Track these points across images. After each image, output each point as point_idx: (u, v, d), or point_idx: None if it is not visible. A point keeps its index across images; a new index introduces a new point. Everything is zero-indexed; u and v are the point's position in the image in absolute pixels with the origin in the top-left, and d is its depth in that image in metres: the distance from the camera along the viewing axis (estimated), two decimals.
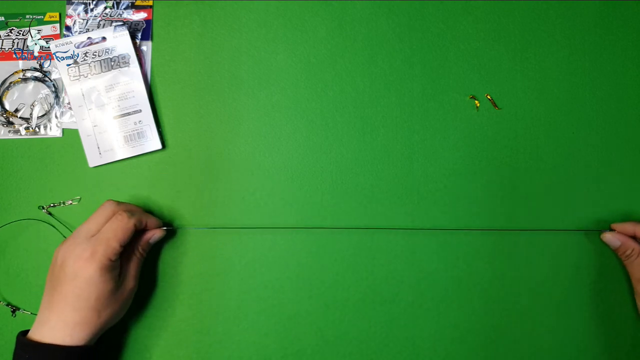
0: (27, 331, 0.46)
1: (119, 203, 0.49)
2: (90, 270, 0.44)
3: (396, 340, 0.54)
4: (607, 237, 0.52)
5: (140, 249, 0.50)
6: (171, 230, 0.54)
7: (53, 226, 0.55)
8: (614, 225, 0.53)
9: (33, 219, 0.55)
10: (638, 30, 0.57)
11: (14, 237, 0.55)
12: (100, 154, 0.55)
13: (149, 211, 0.53)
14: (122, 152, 0.55)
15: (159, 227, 0.52)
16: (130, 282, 0.48)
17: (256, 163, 0.56)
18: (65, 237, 0.54)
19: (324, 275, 0.55)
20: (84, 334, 0.45)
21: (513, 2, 0.57)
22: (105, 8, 0.56)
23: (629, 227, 0.51)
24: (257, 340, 0.54)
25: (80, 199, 0.55)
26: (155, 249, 0.55)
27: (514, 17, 0.57)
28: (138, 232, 0.49)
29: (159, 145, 0.55)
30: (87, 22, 0.56)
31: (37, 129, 0.56)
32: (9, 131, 0.56)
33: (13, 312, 0.54)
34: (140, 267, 0.50)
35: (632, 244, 0.51)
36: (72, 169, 0.56)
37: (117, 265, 0.47)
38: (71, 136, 0.56)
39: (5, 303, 0.54)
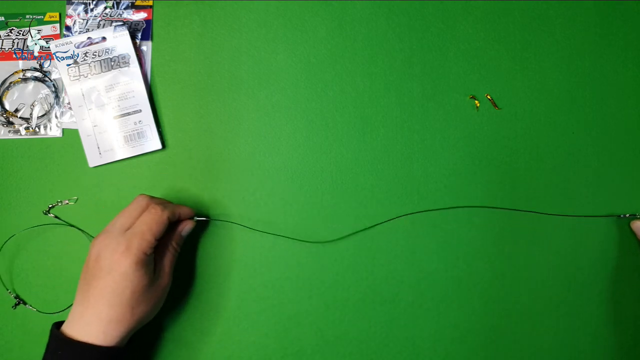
0: (61, 323, 0.46)
1: (151, 197, 0.49)
2: (126, 264, 0.44)
3: (396, 340, 0.54)
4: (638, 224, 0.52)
5: (174, 243, 0.49)
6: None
7: (74, 226, 0.55)
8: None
9: (54, 223, 0.55)
10: (638, 30, 0.57)
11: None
12: (100, 154, 0.55)
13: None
14: (122, 152, 0.55)
15: (192, 216, 0.51)
16: (164, 278, 0.48)
17: (256, 163, 0.56)
18: (92, 235, 0.54)
19: (324, 275, 0.55)
20: (117, 332, 0.44)
21: (513, 2, 0.57)
22: (105, 8, 0.56)
23: None
24: (257, 340, 0.54)
25: (77, 199, 0.55)
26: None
27: (514, 17, 0.57)
28: (171, 225, 0.49)
29: (159, 145, 0.55)
30: (87, 22, 0.56)
31: (37, 129, 0.56)
32: (9, 131, 0.56)
33: (16, 305, 0.53)
34: (174, 263, 0.49)
35: None
36: (72, 169, 0.56)
37: (152, 259, 0.46)
38: (71, 136, 0.56)
39: (14, 295, 0.54)
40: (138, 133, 0.55)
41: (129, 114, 0.55)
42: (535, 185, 0.55)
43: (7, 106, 0.56)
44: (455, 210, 0.55)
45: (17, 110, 0.56)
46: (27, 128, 0.56)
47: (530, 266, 0.54)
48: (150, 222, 0.46)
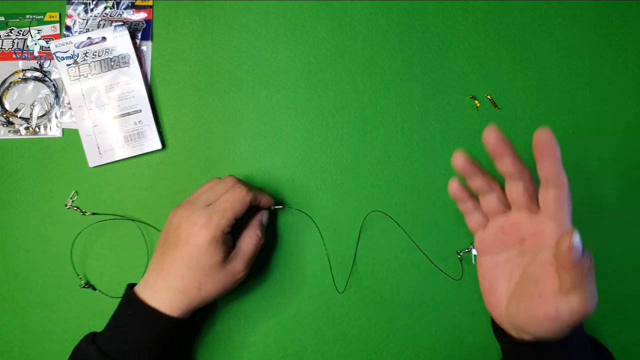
0: (134, 284, 0.47)
1: (239, 180, 0.49)
2: (202, 237, 0.44)
3: (396, 340, 0.54)
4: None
5: (257, 231, 0.49)
6: None
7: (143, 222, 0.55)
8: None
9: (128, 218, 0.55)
10: (638, 30, 0.57)
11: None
12: (100, 154, 0.55)
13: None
14: (122, 152, 0.55)
15: (271, 205, 0.51)
16: (239, 264, 0.47)
17: (256, 163, 0.56)
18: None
19: (324, 275, 0.55)
20: (181, 305, 0.45)
21: (513, 2, 0.57)
22: (105, 8, 0.56)
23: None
24: (257, 340, 0.54)
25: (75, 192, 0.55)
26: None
27: (514, 17, 0.57)
28: (252, 210, 0.49)
29: (159, 145, 0.55)
30: (87, 22, 0.56)
31: (37, 129, 0.56)
32: (9, 131, 0.56)
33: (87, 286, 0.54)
34: (254, 254, 0.49)
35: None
36: (72, 169, 0.56)
37: (229, 240, 0.47)
38: (71, 136, 0.56)
39: (85, 281, 0.54)
40: (138, 133, 0.55)
41: (129, 114, 0.55)
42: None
43: (7, 106, 0.56)
44: (455, 210, 0.55)
45: (17, 110, 0.56)
46: (27, 128, 0.56)
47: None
48: (233, 200, 0.46)
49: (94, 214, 0.55)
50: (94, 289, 0.54)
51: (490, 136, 0.40)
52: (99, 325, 0.47)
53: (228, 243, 0.46)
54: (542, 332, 0.39)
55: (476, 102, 0.56)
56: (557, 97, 0.56)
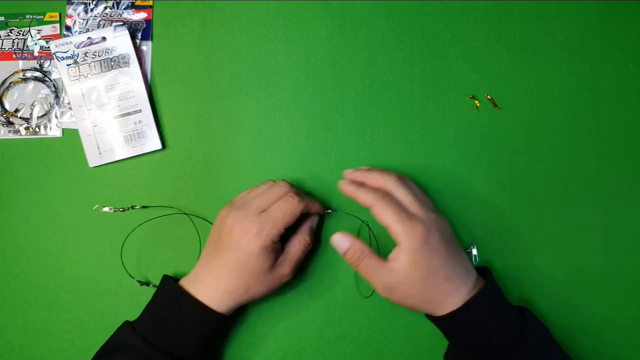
0: (171, 278, 0.49)
1: (291, 185, 0.49)
2: (253, 246, 0.45)
3: (396, 340, 0.54)
4: (337, 239, 0.47)
5: (306, 236, 0.50)
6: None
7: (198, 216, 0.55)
8: (344, 184, 0.48)
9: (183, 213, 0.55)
10: (638, 30, 0.57)
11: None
12: (100, 154, 0.55)
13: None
14: (122, 152, 0.55)
15: (321, 211, 0.52)
16: (285, 268, 0.48)
17: (256, 163, 0.56)
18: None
19: (324, 275, 0.55)
20: (228, 302, 0.46)
21: (513, 2, 0.57)
22: (105, 8, 0.56)
23: (363, 197, 0.46)
24: (257, 340, 0.54)
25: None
26: (154, 246, 0.55)
27: (514, 17, 0.57)
28: (302, 216, 0.49)
29: (159, 145, 0.55)
30: (87, 22, 0.56)
31: (37, 129, 0.56)
32: (9, 131, 0.56)
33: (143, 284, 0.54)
34: (301, 256, 0.49)
35: (358, 247, 0.46)
36: (72, 169, 0.56)
37: (278, 247, 0.48)
38: (71, 136, 0.56)
39: (137, 279, 0.54)
40: (138, 133, 0.55)
41: (129, 114, 0.55)
42: (535, 185, 0.55)
43: (7, 106, 0.56)
44: (456, 210, 0.55)
45: (17, 110, 0.56)
46: (27, 128, 0.56)
47: (530, 266, 0.54)
48: (286, 210, 0.47)
49: (128, 208, 0.54)
50: (148, 284, 0.54)
51: (344, 187, 0.48)
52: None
53: (277, 250, 0.48)
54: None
55: (476, 102, 0.56)
56: (557, 97, 0.56)
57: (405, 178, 0.49)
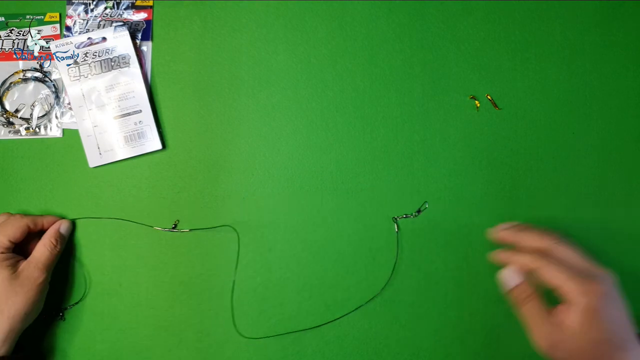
0: None
1: (11, 214, 0.52)
2: None
3: (396, 340, 0.54)
4: (507, 275, 0.46)
5: (52, 239, 0.50)
6: (172, 230, 0.54)
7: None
8: (495, 255, 0.47)
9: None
10: (638, 30, 0.57)
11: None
12: (100, 154, 0.55)
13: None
14: (122, 152, 0.55)
15: (63, 224, 0.52)
16: (36, 273, 0.48)
17: (256, 163, 0.56)
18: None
19: (324, 275, 0.55)
20: None
21: (513, 2, 0.57)
22: (106, 8, 0.56)
23: (521, 259, 0.45)
24: (257, 340, 0.54)
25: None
26: (155, 249, 0.55)
27: (514, 17, 0.57)
28: (37, 233, 0.51)
29: (159, 146, 0.55)
30: (87, 23, 0.56)
31: (37, 129, 0.56)
32: (9, 131, 0.56)
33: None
34: (52, 259, 0.50)
35: (527, 286, 0.45)
36: (72, 169, 0.56)
37: (10, 257, 0.48)
38: (71, 136, 0.56)
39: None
40: (138, 133, 0.55)
41: (129, 114, 0.55)
42: (535, 185, 0.55)
43: (7, 106, 0.56)
44: (456, 211, 0.55)
45: (17, 111, 0.56)
46: (27, 128, 0.56)
47: None
48: (6, 225, 0.48)
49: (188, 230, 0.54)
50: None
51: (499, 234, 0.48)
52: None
53: (8, 260, 0.47)
54: None
55: (476, 102, 0.56)
56: (557, 97, 0.56)
57: (565, 238, 0.46)
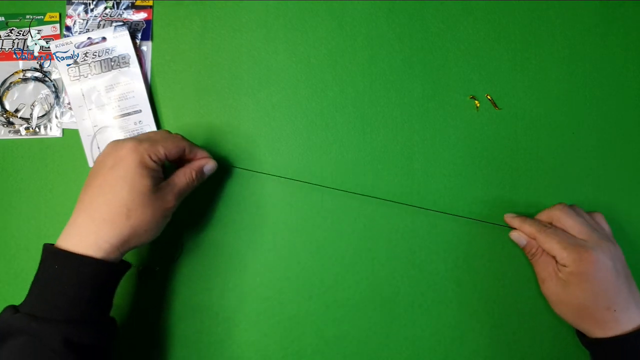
0: (51, 244, 0.43)
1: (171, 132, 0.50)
2: (130, 159, 0.43)
3: (396, 340, 0.54)
4: (514, 235, 0.51)
5: (193, 172, 0.48)
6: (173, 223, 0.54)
7: None
8: (508, 220, 0.52)
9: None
10: (638, 30, 0.57)
11: None
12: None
13: None
14: None
15: (211, 164, 0.50)
16: (169, 197, 0.46)
17: (256, 163, 0.56)
18: None
19: (324, 275, 0.55)
20: (109, 239, 0.42)
21: (513, 2, 0.57)
22: (106, 8, 0.56)
23: (527, 229, 0.50)
24: (257, 340, 0.54)
25: None
26: (155, 248, 0.55)
27: (514, 17, 0.57)
28: (187, 159, 0.50)
29: None
30: (87, 22, 0.56)
31: (37, 129, 0.56)
32: (9, 131, 0.56)
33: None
34: (186, 191, 0.48)
35: (535, 243, 0.50)
36: (72, 169, 0.56)
37: (158, 170, 0.46)
38: (71, 136, 0.56)
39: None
40: (138, 133, 0.55)
41: (129, 114, 0.55)
42: (535, 185, 0.55)
43: (7, 106, 0.56)
44: (456, 210, 0.55)
45: (17, 111, 0.56)
46: (27, 128, 0.56)
47: (530, 266, 0.54)
48: (167, 139, 0.47)
49: None
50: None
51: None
52: None
53: (157, 172, 0.45)
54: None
55: (476, 102, 0.56)
56: (557, 97, 0.56)
57: (573, 207, 0.50)
